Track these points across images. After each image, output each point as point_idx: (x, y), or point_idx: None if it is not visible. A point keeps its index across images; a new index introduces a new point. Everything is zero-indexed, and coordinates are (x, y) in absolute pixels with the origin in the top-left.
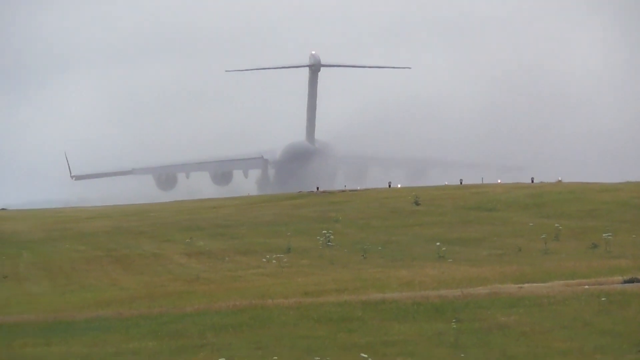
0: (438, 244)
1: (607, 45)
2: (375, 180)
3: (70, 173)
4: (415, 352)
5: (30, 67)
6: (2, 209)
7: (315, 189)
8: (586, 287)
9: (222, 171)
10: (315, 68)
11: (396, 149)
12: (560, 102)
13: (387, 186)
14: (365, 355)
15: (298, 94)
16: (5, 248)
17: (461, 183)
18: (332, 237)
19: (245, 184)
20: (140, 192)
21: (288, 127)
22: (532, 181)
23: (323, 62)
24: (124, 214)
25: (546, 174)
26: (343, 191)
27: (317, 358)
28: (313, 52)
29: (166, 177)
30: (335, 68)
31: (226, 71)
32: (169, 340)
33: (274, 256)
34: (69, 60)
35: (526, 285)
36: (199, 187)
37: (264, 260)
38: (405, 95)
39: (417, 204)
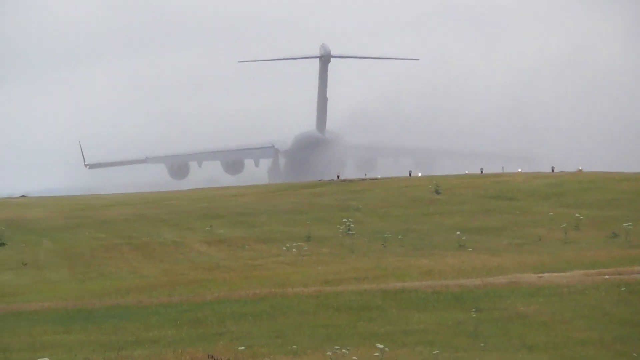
0: (458, 233)
1: (631, 35)
2: (385, 169)
3: (85, 162)
4: (435, 341)
5: (46, 57)
6: (22, 195)
7: (336, 177)
8: (606, 276)
9: (233, 160)
10: (325, 59)
11: (405, 139)
12: (581, 92)
13: (408, 175)
14: (381, 345)
15: (309, 85)
16: (25, 235)
17: (482, 172)
18: (352, 225)
19: (257, 173)
20: (153, 180)
21: (299, 117)
22: (553, 170)
23: (333, 53)
24: (144, 201)
25: (557, 164)
26: (363, 180)
27: (337, 347)
28: (323, 43)
29: (179, 166)
30: (345, 59)
31: (239, 62)
32: (188, 328)
33: (294, 244)
34: (83, 51)
35: (546, 274)
36: (211, 176)
37: (284, 248)
38: (414, 86)
39: (437, 192)
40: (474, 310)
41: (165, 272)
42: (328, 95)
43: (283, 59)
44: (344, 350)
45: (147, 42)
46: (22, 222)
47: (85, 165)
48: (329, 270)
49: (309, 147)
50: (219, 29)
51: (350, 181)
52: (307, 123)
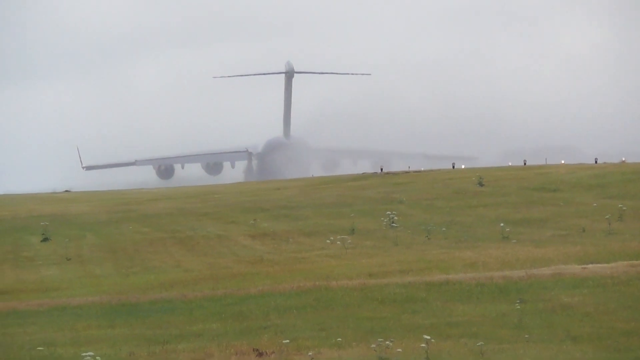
0: (502, 224)
1: None
2: (346, 169)
3: (82, 164)
4: (479, 333)
5: (41, 65)
6: (66, 190)
7: (380, 170)
8: None
9: (213, 162)
10: (290, 74)
11: (361, 142)
12: (624, 83)
13: (451, 167)
14: (428, 337)
15: (276, 97)
16: (69, 230)
17: (525, 164)
18: (396, 218)
19: (233, 174)
20: (142, 180)
21: (268, 125)
22: (596, 162)
23: (296, 69)
24: (187, 195)
25: (600, 155)
26: (407, 172)
27: (381, 339)
28: (288, 61)
29: (165, 167)
30: (307, 74)
31: (214, 77)
32: (233, 321)
33: (338, 237)
34: (79, 62)
35: (590, 265)
36: (193, 176)
37: (328, 241)
38: (366, 97)
39: (481, 184)
40: (518, 301)
41: (210, 265)
42: (293, 105)
43: (253, 74)
44: (388, 343)
45: (134, 57)
46: (65, 216)
47: (83, 167)
48: (373, 262)
49: (277, 150)
50: (194, 45)
51: (394, 174)
52: (275, 130)
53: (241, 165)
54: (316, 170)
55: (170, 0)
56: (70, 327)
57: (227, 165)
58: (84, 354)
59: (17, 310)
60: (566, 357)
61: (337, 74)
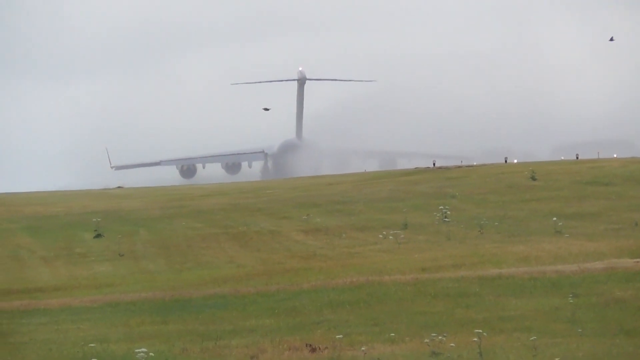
0: (554, 219)
1: None
2: (355, 168)
3: (110, 164)
4: (532, 327)
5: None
6: (119, 187)
7: (432, 164)
8: None
9: (232, 162)
10: (302, 81)
11: (369, 143)
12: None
13: (504, 161)
14: (480, 330)
15: (289, 101)
16: (122, 226)
17: (577, 158)
18: (448, 212)
19: (251, 173)
20: (165, 179)
21: (283, 127)
22: None
23: (308, 76)
24: (240, 191)
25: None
26: (459, 167)
27: (434, 334)
28: (300, 69)
29: (187, 167)
30: (317, 81)
31: (231, 84)
32: (286, 317)
33: (391, 232)
34: (101, 64)
35: None
36: (214, 176)
37: (381, 236)
38: (372, 101)
39: (533, 179)
40: (571, 295)
41: (262, 261)
42: (304, 109)
43: (268, 81)
44: (441, 337)
45: (159, 59)
46: (118, 213)
47: (112, 167)
48: (425, 257)
49: (290, 151)
50: (212, 50)
51: (446, 168)
52: (289, 132)
53: (258, 165)
54: (327, 169)
55: (194, 2)
56: (123, 323)
57: (244, 165)
58: (137, 349)
59: (70, 306)
60: (619, 351)
61: (344, 80)
